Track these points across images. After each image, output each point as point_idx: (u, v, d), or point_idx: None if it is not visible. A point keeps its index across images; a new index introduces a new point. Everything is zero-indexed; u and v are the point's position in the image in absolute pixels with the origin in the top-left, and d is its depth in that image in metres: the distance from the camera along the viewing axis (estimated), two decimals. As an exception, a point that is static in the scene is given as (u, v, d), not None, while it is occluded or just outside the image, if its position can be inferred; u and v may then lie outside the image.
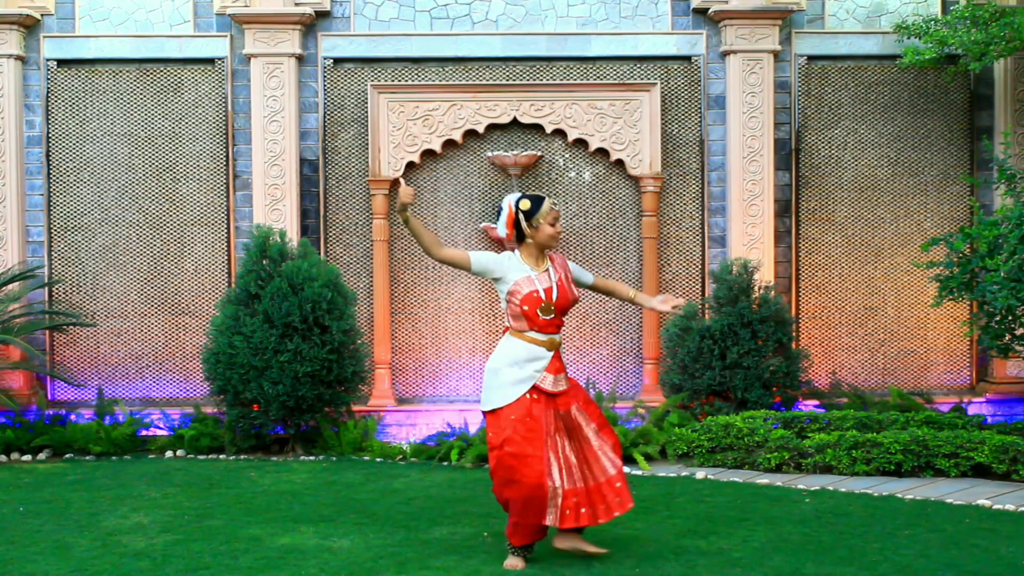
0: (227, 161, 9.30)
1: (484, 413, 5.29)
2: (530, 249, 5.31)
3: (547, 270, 5.30)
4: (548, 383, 5.24)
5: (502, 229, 5.33)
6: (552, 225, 5.28)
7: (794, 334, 8.97)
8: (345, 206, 9.35)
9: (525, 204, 5.26)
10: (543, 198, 5.30)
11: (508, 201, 5.32)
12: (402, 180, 5.59)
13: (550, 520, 5.12)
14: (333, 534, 5.81)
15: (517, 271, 5.27)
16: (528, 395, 5.21)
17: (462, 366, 9.40)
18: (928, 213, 9.49)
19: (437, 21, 9.38)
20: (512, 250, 5.37)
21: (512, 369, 5.22)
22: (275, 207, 9.10)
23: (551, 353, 5.26)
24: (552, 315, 5.24)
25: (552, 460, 5.14)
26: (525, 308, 5.22)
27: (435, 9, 9.38)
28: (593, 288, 5.58)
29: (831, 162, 9.45)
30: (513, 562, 5.23)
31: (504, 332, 5.35)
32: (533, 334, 5.25)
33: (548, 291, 5.23)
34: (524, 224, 5.27)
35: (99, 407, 8.56)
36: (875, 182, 9.47)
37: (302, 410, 8.13)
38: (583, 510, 5.17)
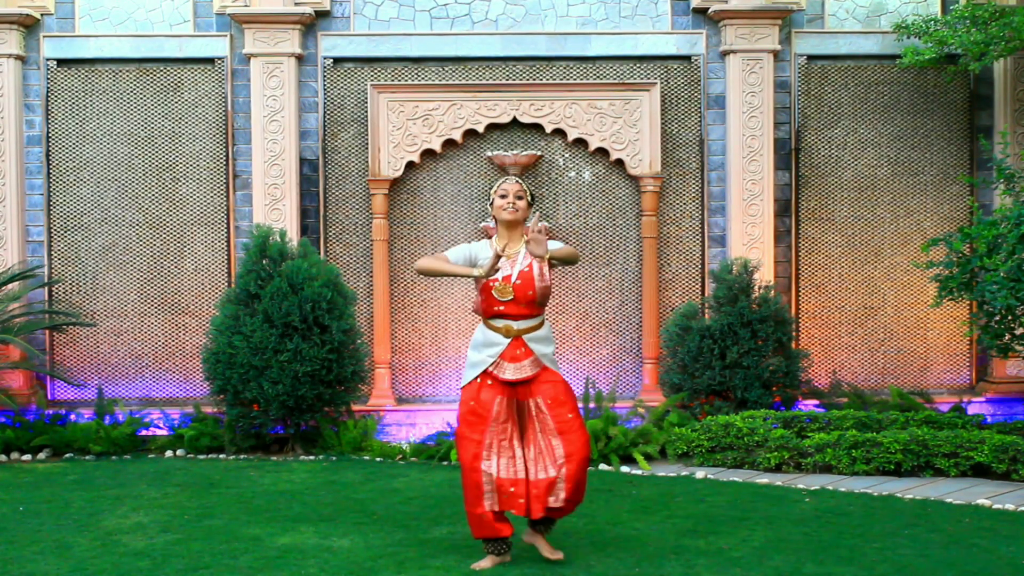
0: (227, 161, 9.30)
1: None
2: (501, 232, 5.31)
3: (518, 254, 5.23)
4: (504, 371, 5.19)
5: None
6: (502, 198, 5.24)
7: (794, 334, 8.97)
8: (345, 206, 9.35)
9: (494, 188, 5.32)
10: (506, 178, 5.34)
11: None
12: None
13: (487, 505, 5.10)
14: (333, 534, 5.82)
15: (486, 255, 5.25)
16: (479, 379, 5.22)
17: (462, 366, 9.37)
18: (928, 213, 9.49)
19: (437, 21, 9.38)
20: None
21: (472, 352, 5.28)
22: (275, 207, 9.10)
23: (507, 340, 5.19)
24: (510, 298, 5.17)
25: (495, 447, 5.12)
26: (483, 294, 5.24)
27: (435, 9, 9.38)
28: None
29: (831, 162, 9.46)
30: (480, 563, 5.22)
31: None
32: (491, 320, 5.24)
33: (507, 277, 5.18)
34: (489, 205, 5.34)
35: (99, 407, 8.56)
36: (875, 182, 9.47)
37: (302, 410, 8.13)
38: (520, 500, 5.11)
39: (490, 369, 5.21)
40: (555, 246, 5.25)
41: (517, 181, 5.31)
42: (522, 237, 5.28)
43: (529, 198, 5.32)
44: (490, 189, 5.46)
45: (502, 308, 5.19)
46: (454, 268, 5.23)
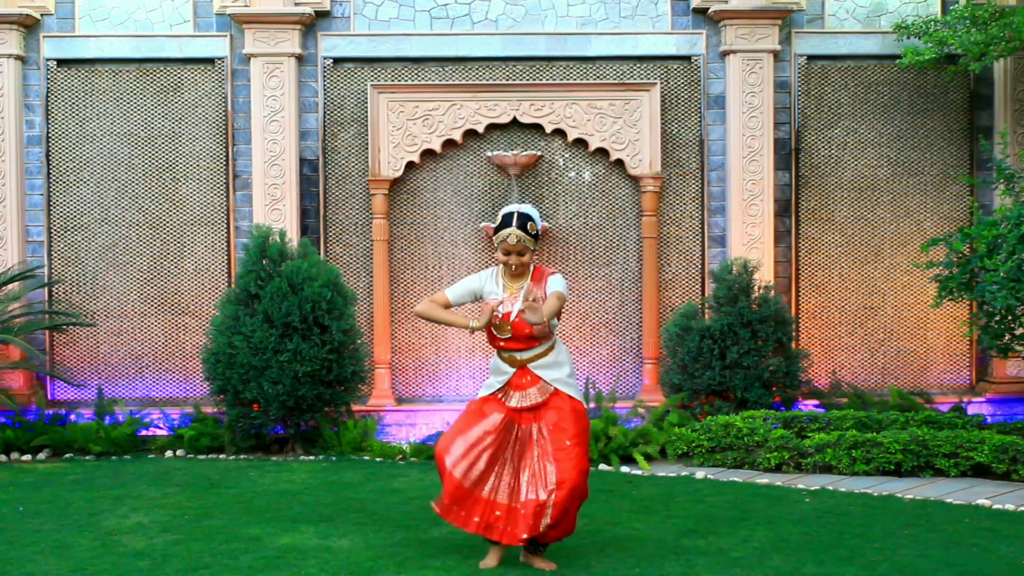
0: (227, 161, 9.30)
1: None
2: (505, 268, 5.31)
3: (520, 289, 5.23)
4: (510, 399, 5.23)
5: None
6: (504, 254, 5.20)
7: (794, 334, 8.97)
8: (345, 206, 9.35)
9: (498, 219, 5.26)
10: (509, 223, 5.16)
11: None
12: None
13: (450, 487, 5.19)
14: (333, 534, 5.82)
15: (490, 290, 5.29)
16: (490, 395, 5.28)
17: (462, 366, 9.40)
18: (928, 213, 9.50)
19: (437, 21, 9.38)
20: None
21: (490, 377, 5.37)
22: (275, 207, 9.10)
23: (513, 370, 5.23)
24: (508, 336, 5.21)
25: (473, 447, 5.17)
26: (486, 327, 5.25)
27: (435, 9, 9.38)
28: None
29: (831, 162, 9.46)
30: (486, 559, 5.24)
31: None
32: (500, 351, 5.29)
33: (507, 315, 5.19)
34: (494, 241, 5.30)
35: (99, 407, 8.56)
36: (875, 182, 9.47)
37: (302, 410, 8.13)
38: (504, 527, 5.13)
39: (498, 395, 5.26)
40: (557, 285, 5.18)
41: (518, 240, 5.14)
42: (528, 273, 5.25)
43: (532, 245, 5.19)
44: (494, 219, 5.40)
45: (503, 343, 5.25)
46: (449, 318, 5.35)
